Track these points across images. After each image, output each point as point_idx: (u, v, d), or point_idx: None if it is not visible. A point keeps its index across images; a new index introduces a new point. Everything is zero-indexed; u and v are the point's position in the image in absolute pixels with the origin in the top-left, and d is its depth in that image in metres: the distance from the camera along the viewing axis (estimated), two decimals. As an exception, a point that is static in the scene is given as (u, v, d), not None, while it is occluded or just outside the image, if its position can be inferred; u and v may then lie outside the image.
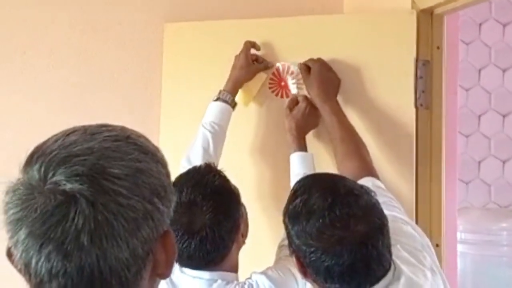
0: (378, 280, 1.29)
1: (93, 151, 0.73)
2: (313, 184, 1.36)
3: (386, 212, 1.53)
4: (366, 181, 1.61)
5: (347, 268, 1.26)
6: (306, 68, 1.94)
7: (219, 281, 1.49)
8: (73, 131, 0.76)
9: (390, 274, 1.31)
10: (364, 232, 1.26)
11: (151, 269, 0.77)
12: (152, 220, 0.74)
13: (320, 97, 1.89)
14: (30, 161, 0.74)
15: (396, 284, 1.31)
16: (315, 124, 1.96)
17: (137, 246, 0.73)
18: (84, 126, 0.77)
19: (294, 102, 1.96)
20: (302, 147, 1.90)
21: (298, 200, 1.32)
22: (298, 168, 1.85)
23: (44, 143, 0.75)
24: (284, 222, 1.36)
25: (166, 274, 0.79)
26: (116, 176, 0.72)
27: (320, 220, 1.27)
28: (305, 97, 1.94)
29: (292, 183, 1.79)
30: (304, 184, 1.37)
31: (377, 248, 1.27)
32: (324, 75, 1.92)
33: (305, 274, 1.34)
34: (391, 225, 1.48)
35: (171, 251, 0.78)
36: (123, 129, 0.78)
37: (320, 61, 1.94)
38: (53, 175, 0.71)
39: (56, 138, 0.75)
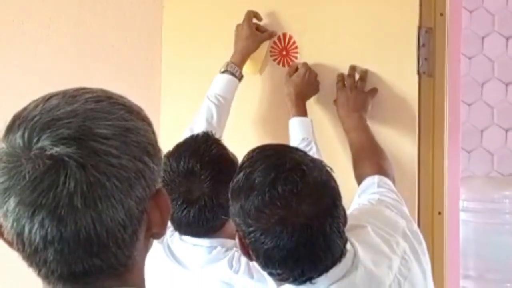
0: (327, 268, 1.19)
1: (77, 113, 0.72)
2: (259, 156, 1.23)
3: (374, 197, 1.49)
4: (371, 178, 1.58)
5: (288, 252, 1.14)
6: (342, 83, 1.89)
7: (219, 247, 1.50)
8: (52, 95, 0.75)
9: (348, 262, 1.21)
10: (309, 212, 1.14)
11: (145, 230, 0.76)
12: (144, 179, 0.74)
13: (345, 109, 1.85)
14: (11, 128, 0.72)
15: (354, 274, 1.21)
16: (315, 90, 1.94)
17: (132, 206, 0.73)
18: (62, 90, 0.76)
19: (294, 69, 1.94)
20: (301, 112, 1.87)
21: (241, 174, 1.20)
22: (296, 133, 1.84)
23: (24, 109, 0.74)
24: (229, 197, 1.25)
25: (160, 233, 0.79)
26: (104, 136, 0.71)
27: (260, 197, 1.15)
28: (305, 63, 1.93)
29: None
30: (251, 157, 1.24)
31: (324, 232, 1.15)
32: (354, 92, 1.86)
33: (249, 256, 1.23)
34: (371, 208, 1.45)
35: (165, 209, 0.78)
36: (103, 90, 0.77)
37: (351, 76, 1.89)
38: (38, 140, 0.70)
39: (36, 104, 0.74)
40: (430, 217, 1.87)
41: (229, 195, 1.24)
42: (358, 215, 1.38)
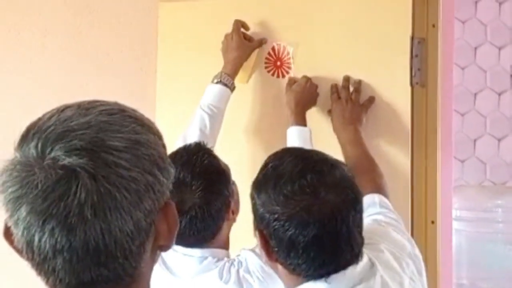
0: (345, 265, 1.20)
1: (90, 125, 0.73)
2: (284, 152, 1.28)
3: (380, 217, 1.51)
4: (371, 196, 1.59)
5: (312, 239, 1.15)
6: (337, 95, 1.91)
7: (210, 258, 1.50)
8: (67, 107, 0.76)
9: (365, 268, 1.23)
10: (335, 202, 1.17)
11: (152, 242, 0.77)
12: (154, 191, 0.74)
13: (341, 122, 1.87)
14: (26, 138, 0.73)
15: (372, 280, 1.22)
16: (314, 100, 1.94)
17: (140, 218, 0.73)
18: (77, 102, 0.77)
19: (294, 80, 1.96)
20: (300, 121, 1.87)
21: (268, 167, 1.24)
22: (293, 142, 1.84)
23: (39, 119, 0.75)
24: (250, 195, 1.26)
25: (167, 246, 0.80)
26: (116, 148, 0.72)
27: (289, 186, 1.17)
28: (305, 76, 1.94)
29: None
30: (276, 154, 1.28)
31: (348, 224, 1.17)
32: (349, 104, 1.88)
33: (268, 252, 1.23)
34: (380, 229, 1.46)
35: (172, 222, 0.79)
36: (116, 103, 0.78)
37: (345, 87, 1.91)
38: (51, 150, 0.70)
39: (50, 115, 0.75)
40: (423, 226, 1.88)
41: (253, 189, 1.25)
42: (368, 235, 1.38)
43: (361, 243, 1.22)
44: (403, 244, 1.43)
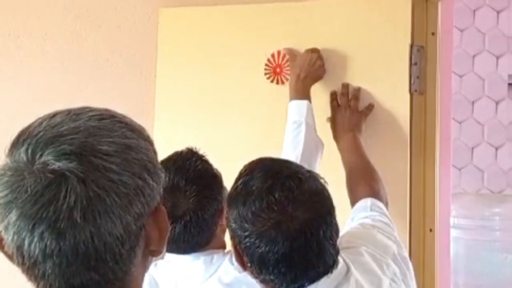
0: (319, 276, 1.21)
1: (80, 130, 0.73)
2: (257, 165, 1.26)
3: (367, 221, 1.51)
4: (364, 201, 1.59)
5: (282, 256, 1.16)
6: (336, 102, 1.92)
7: (215, 255, 1.48)
8: (57, 113, 0.76)
9: (340, 275, 1.24)
10: (304, 218, 1.17)
11: (143, 247, 0.77)
12: (143, 195, 0.75)
13: (340, 129, 1.88)
14: (16, 144, 0.73)
15: (346, 285, 1.23)
16: (318, 73, 1.93)
17: (130, 222, 0.73)
18: (67, 109, 0.77)
19: (294, 55, 1.96)
20: (299, 95, 1.86)
21: (240, 181, 1.24)
22: (290, 116, 1.84)
23: (29, 126, 0.75)
24: (225, 208, 1.28)
25: (159, 251, 0.80)
26: (106, 152, 0.72)
27: (257, 203, 1.18)
28: (308, 49, 1.93)
29: (286, 132, 1.82)
30: (250, 166, 1.27)
31: (318, 238, 1.18)
32: (348, 111, 1.89)
33: (243, 265, 1.24)
34: (363, 231, 1.47)
35: (163, 227, 0.79)
36: (106, 109, 0.79)
37: (344, 94, 1.92)
38: (41, 155, 0.71)
39: (41, 121, 0.75)
40: (422, 234, 1.88)
41: (227, 203, 1.26)
42: (350, 239, 1.40)
43: (335, 254, 1.23)
44: (386, 245, 1.43)
